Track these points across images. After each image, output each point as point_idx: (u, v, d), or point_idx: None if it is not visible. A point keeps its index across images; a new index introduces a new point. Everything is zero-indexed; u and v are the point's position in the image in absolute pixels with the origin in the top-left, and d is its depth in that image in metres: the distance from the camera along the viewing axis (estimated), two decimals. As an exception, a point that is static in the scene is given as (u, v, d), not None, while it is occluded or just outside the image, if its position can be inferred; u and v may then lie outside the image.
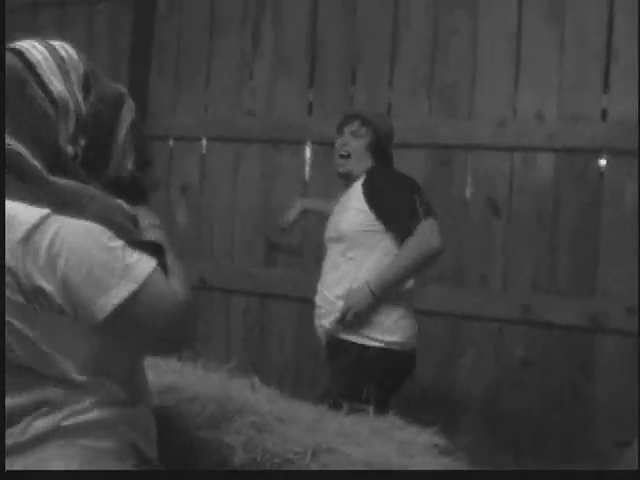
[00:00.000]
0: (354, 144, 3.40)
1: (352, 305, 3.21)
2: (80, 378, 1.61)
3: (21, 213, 1.56)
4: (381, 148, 3.47)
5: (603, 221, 3.95)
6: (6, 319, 1.56)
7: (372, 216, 3.27)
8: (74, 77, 1.71)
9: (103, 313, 1.55)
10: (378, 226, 3.28)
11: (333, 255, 3.38)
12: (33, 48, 1.70)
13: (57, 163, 1.63)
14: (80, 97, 1.71)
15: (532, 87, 4.09)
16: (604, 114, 3.99)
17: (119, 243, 1.58)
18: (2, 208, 1.58)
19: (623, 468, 3.45)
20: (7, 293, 1.55)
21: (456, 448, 2.06)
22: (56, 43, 1.74)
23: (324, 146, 4.40)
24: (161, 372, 1.86)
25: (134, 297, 1.56)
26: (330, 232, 3.43)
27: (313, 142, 4.55)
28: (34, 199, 1.57)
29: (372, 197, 3.29)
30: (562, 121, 4.01)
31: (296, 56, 4.60)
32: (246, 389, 2.26)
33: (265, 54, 4.68)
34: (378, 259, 3.27)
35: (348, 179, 3.44)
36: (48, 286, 1.54)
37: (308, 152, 4.55)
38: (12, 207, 1.57)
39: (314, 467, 1.83)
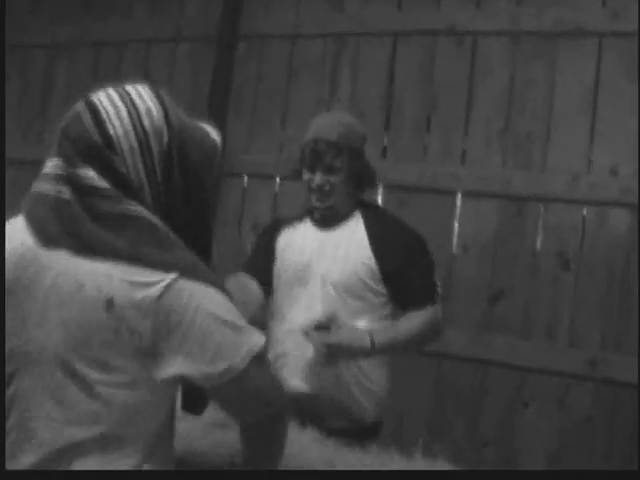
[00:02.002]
0: (333, 180, 2.89)
1: (345, 340, 2.72)
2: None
3: (145, 273, 1.58)
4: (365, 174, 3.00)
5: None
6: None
7: (377, 275, 2.88)
8: (155, 150, 1.65)
9: (228, 375, 1.61)
10: (380, 288, 2.90)
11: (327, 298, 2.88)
12: (116, 117, 1.63)
13: None
14: (159, 172, 1.66)
15: (607, 141, 4.07)
16: (679, 171, 3.95)
17: (237, 313, 1.65)
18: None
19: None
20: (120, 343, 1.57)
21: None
22: (142, 107, 1.65)
23: (397, 191, 4.43)
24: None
25: (249, 369, 1.63)
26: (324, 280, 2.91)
27: (385, 186, 4.56)
28: (160, 260, 1.60)
29: (386, 255, 2.88)
30: (636, 177, 3.98)
31: (372, 102, 4.63)
32: (292, 429, 2.24)
33: (342, 99, 4.72)
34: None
35: (328, 219, 2.98)
36: (164, 345, 1.58)
37: (380, 196, 4.56)
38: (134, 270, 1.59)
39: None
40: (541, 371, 4.11)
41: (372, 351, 2.74)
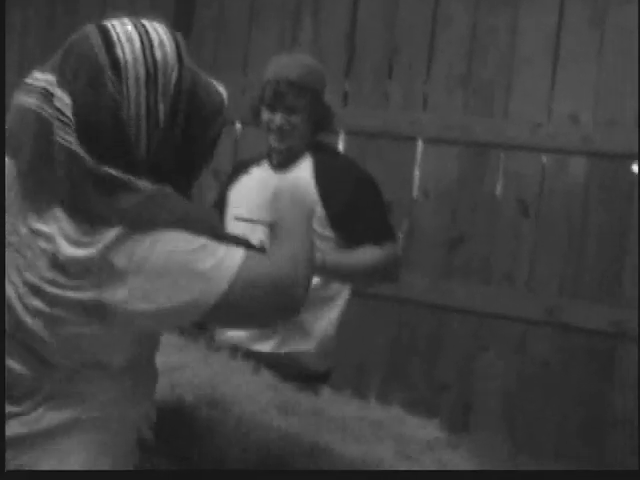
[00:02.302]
0: (294, 120, 2.84)
1: None
2: (117, 364, 1.59)
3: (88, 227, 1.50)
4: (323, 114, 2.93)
5: (633, 227, 3.94)
6: (37, 307, 1.52)
7: (324, 219, 2.80)
8: (162, 85, 1.56)
9: (200, 315, 1.53)
10: (327, 232, 2.82)
11: None
12: (128, 43, 1.54)
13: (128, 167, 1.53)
14: (162, 112, 1.56)
15: (569, 89, 4.08)
16: (639, 119, 3.98)
17: (201, 242, 1.53)
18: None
19: None
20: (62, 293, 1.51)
21: (466, 444, 2.07)
22: (156, 39, 1.57)
23: (358, 137, 4.43)
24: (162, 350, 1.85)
25: (229, 293, 1.52)
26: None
27: (347, 133, 4.55)
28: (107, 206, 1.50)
29: (333, 199, 2.81)
30: (597, 125, 4.00)
31: (334, 48, 4.60)
32: (247, 372, 2.24)
33: (303, 44, 4.69)
34: None
35: (283, 161, 2.92)
36: (114, 297, 1.50)
37: (341, 142, 4.55)
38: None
39: (311, 467, 1.82)
40: (500, 316, 4.16)
41: (322, 269, 2.62)
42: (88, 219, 1.50)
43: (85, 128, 1.51)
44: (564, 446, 4.02)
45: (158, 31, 1.59)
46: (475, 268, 4.23)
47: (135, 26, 1.57)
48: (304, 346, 2.82)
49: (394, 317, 4.33)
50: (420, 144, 4.38)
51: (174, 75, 1.57)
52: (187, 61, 1.61)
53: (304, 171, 2.87)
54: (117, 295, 1.50)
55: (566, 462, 3.92)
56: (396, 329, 4.36)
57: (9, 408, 1.58)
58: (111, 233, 1.49)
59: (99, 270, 1.49)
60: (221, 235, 1.58)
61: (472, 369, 4.22)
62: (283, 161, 2.92)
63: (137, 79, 1.53)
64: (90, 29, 1.57)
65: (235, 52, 4.90)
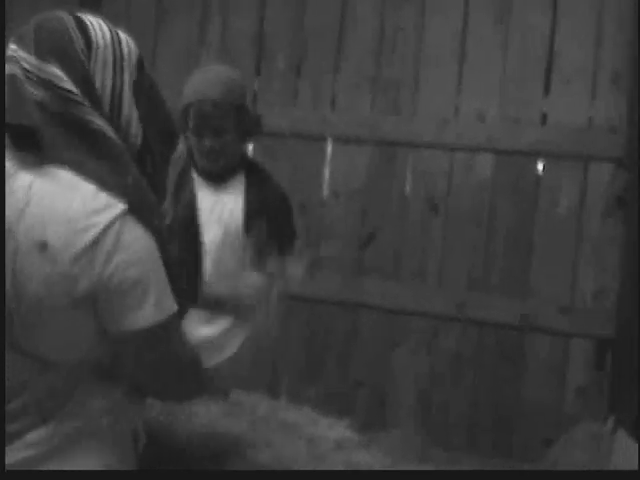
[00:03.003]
0: (223, 140, 2.82)
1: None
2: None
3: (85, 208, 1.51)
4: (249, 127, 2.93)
5: (538, 223, 4.03)
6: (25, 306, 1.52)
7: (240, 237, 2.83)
8: (127, 76, 1.65)
9: (130, 327, 1.55)
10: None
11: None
12: (99, 29, 1.64)
13: None
14: (126, 100, 1.64)
15: (475, 88, 4.15)
16: (544, 118, 4.06)
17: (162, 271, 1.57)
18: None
19: (548, 467, 3.54)
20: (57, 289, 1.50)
21: (377, 442, 2.09)
22: (123, 37, 1.68)
23: (267, 137, 4.42)
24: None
25: (159, 327, 1.56)
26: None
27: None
28: (114, 186, 1.53)
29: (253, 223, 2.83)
30: (502, 123, 4.08)
31: (243, 48, 4.58)
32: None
33: (212, 44, 4.66)
34: None
35: (216, 175, 2.91)
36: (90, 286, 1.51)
37: (250, 143, 4.53)
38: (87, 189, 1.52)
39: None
40: (411, 312, 4.20)
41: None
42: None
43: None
44: (476, 438, 4.09)
45: (122, 32, 1.70)
46: (386, 265, 4.27)
47: (104, 21, 1.68)
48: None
49: (307, 316, 4.34)
50: (329, 143, 4.39)
51: (135, 72, 1.67)
52: (146, 65, 1.72)
53: (237, 190, 2.88)
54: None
55: (478, 454, 3.98)
56: (309, 328, 4.37)
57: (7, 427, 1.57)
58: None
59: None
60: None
61: (386, 365, 4.26)
62: (216, 176, 2.90)
63: (105, 63, 1.62)
64: (62, 14, 1.64)
65: (142, 52, 4.83)
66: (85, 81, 1.58)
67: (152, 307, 1.55)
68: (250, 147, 4.37)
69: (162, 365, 1.64)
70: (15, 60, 1.58)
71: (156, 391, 1.74)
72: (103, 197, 1.52)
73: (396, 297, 4.22)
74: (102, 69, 1.61)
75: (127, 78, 1.64)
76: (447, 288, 4.17)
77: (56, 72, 1.56)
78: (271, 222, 2.84)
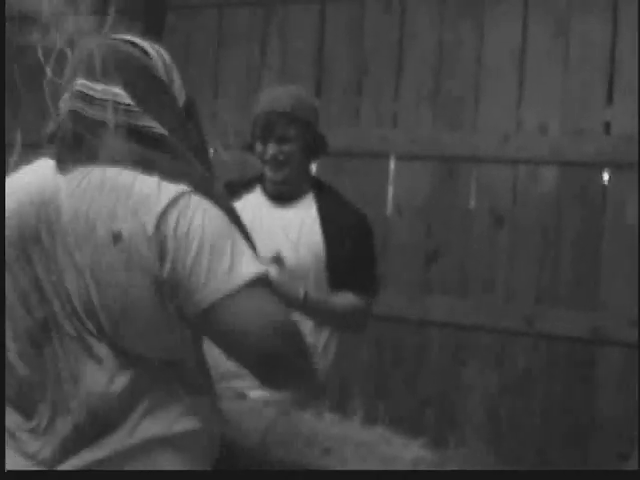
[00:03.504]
0: (287, 149, 2.89)
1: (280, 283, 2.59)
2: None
3: (162, 187, 1.59)
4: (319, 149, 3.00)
5: (605, 234, 3.97)
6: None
7: (322, 260, 2.89)
8: (175, 76, 1.82)
9: (204, 304, 1.55)
10: (322, 272, 2.91)
11: None
12: (150, 48, 1.80)
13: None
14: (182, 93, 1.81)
15: (536, 100, 4.12)
16: (607, 128, 4.02)
17: (239, 236, 1.62)
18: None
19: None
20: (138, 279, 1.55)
21: (451, 461, 2.07)
22: (165, 55, 1.85)
23: (330, 156, 4.44)
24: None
25: (235, 295, 1.54)
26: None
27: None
28: (178, 175, 1.62)
29: (335, 243, 2.89)
30: (565, 135, 4.04)
31: (303, 69, 4.62)
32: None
33: (272, 67, 4.71)
34: None
35: (282, 194, 2.97)
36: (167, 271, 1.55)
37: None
38: (152, 182, 1.60)
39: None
40: (478, 328, 4.17)
41: (304, 303, 2.68)
42: None
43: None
44: (548, 454, 4.04)
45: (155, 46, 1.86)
46: (452, 281, 4.25)
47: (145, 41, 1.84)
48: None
49: (374, 335, 4.33)
50: (392, 161, 4.40)
51: (182, 90, 1.83)
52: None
53: (308, 209, 2.94)
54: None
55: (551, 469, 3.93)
56: (376, 347, 4.37)
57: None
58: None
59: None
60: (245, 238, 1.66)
61: (454, 382, 4.23)
62: (283, 195, 2.96)
63: (161, 68, 1.79)
64: (117, 41, 1.79)
65: (204, 76, 4.91)
66: (159, 86, 1.76)
67: (226, 275, 1.54)
68: (313, 167, 4.42)
69: (259, 336, 1.55)
70: (80, 95, 1.70)
71: (264, 371, 1.62)
72: (165, 184, 1.59)
73: (463, 313, 4.20)
74: (166, 76, 1.78)
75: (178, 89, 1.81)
76: (515, 302, 4.13)
77: (118, 92, 1.68)
78: (352, 247, 2.92)
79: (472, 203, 4.27)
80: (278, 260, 2.74)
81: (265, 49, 4.75)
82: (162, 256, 1.54)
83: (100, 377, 1.59)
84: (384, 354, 4.37)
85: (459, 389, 4.23)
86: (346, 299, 2.89)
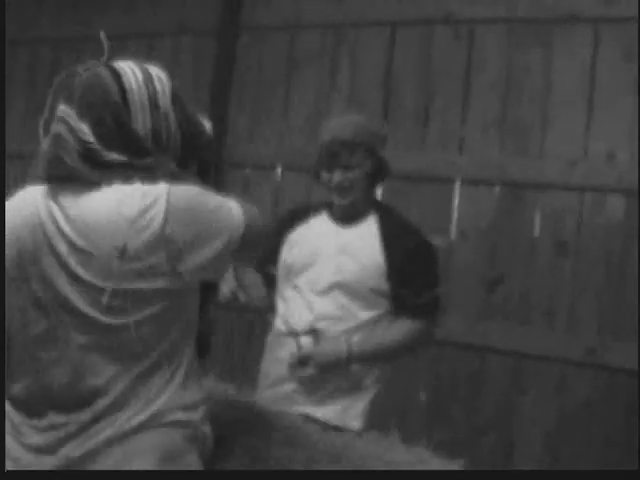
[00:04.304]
0: (351, 176, 2.99)
1: (319, 353, 2.89)
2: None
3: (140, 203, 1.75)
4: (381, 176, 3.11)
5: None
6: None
7: (384, 277, 2.96)
8: (162, 109, 1.88)
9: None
10: (384, 287, 2.97)
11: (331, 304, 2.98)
12: (132, 75, 1.87)
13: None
14: (172, 125, 1.90)
15: (604, 128, 4.08)
16: (676, 156, 3.95)
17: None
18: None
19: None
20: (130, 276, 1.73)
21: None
22: (153, 72, 1.91)
23: (396, 180, 4.45)
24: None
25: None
26: (335, 276, 2.99)
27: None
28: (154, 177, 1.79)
29: (396, 260, 2.95)
30: (633, 162, 3.98)
31: (371, 92, 4.65)
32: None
33: (342, 89, 4.75)
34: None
35: (347, 216, 3.08)
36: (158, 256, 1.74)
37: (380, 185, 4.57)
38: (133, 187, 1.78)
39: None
40: (539, 357, 4.13)
41: (348, 362, 2.90)
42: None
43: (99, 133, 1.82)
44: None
45: (154, 68, 1.96)
46: (514, 308, 4.21)
47: (135, 64, 1.92)
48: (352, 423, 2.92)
49: (433, 358, 4.31)
50: (457, 185, 4.39)
51: (169, 101, 1.90)
52: (179, 93, 1.94)
53: (370, 227, 3.03)
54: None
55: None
56: (435, 371, 4.35)
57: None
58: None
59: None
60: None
61: (513, 410, 4.19)
62: (347, 216, 3.07)
63: (142, 103, 1.86)
64: (100, 68, 1.89)
65: (275, 99, 4.97)
66: (121, 124, 1.83)
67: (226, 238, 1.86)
68: (379, 191, 4.43)
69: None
70: (64, 121, 1.83)
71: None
72: (147, 187, 1.77)
73: (524, 341, 4.16)
74: (140, 109, 1.85)
75: (166, 108, 1.88)
76: (577, 332, 4.08)
77: (84, 129, 1.81)
78: (414, 266, 2.98)
79: (537, 230, 4.23)
80: (314, 332, 2.93)
81: (335, 72, 4.79)
82: (167, 249, 1.77)
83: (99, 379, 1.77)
84: (443, 380, 4.34)
85: (517, 418, 4.18)
86: (399, 331, 2.97)
